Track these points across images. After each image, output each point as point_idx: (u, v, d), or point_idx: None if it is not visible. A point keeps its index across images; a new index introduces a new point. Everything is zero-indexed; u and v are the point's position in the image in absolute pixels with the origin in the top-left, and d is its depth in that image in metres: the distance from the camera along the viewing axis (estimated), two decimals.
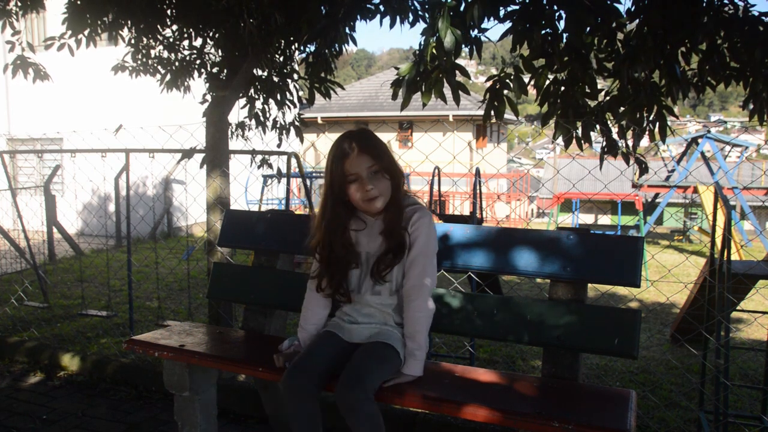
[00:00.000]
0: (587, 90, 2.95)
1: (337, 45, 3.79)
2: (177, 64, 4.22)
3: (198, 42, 4.23)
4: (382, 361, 1.93)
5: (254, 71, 4.04)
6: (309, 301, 2.17)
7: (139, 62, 4.21)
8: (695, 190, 12.34)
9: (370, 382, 1.83)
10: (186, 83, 4.33)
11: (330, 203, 2.01)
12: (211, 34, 4.10)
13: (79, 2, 3.67)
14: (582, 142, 3.03)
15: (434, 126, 19.62)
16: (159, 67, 4.25)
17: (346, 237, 2.04)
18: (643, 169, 3.18)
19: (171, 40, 4.15)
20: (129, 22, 3.86)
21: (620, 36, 2.83)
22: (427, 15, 3.30)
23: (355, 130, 2.05)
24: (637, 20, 2.69)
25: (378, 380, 1.87)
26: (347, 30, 3.44)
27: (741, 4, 2.60)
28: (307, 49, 3.99)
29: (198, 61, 4.24)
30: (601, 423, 1.69)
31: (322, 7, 3.33)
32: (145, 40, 4.09)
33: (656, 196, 15.04)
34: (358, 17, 3.42)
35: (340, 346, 2.01)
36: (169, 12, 3.91)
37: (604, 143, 3.16)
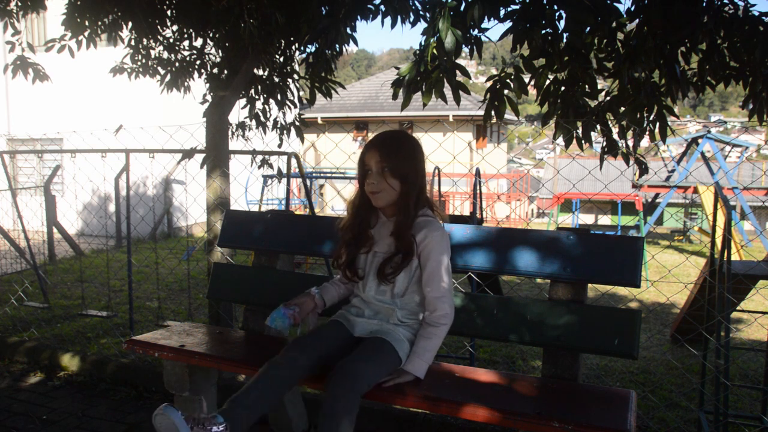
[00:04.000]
0: (587, 90, 2.95)
1: (337, 45, 3.79)
2: (177, 64, 4.21)
3: (198, 42, 4.22)
4: (380, 358, 1.94)
5: (254, 71, 4.04)
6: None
7: (138, 63, 4.21)
8: (695, 191, 12.32)
9: (364, 378, 1.85)
10: (186, 83, 4.32)
11: (360, 191, 2.13)
12: (211, 34, 4.10)
13: (78, 2, 3.67)
14: (582, 142, 3.03)
15: (434, 126, 19.60)
16: (159, 68, 4.25)
17: (363, 225, 2.13)
18: (643, 169, 3.18)
19: (171, 40, 4.15)
20: (129, 22, 3.86)
21: (620, 36, 2.83)
22: (427, 15, 3.30)
23: (393, 130, 2.16)
24: (637, 20, 2.70)
25: (372, 377, 1.88)
26: (348, 30, 3.44)
27: (741, 4, 2.60)
28: (308, 49, 3.98)
29: (198, 62, 4.24)
30: (601, 423, 1.69)
31: (323, 7, 3.32)
32: (145, 40, 4.09)
33: (656, 196, 15.03)
34: (359, 17, 3.42)
35: (342, 337, 2.06)
36: (169, 12, 3.91)
37: (604, 143, 3.16)
